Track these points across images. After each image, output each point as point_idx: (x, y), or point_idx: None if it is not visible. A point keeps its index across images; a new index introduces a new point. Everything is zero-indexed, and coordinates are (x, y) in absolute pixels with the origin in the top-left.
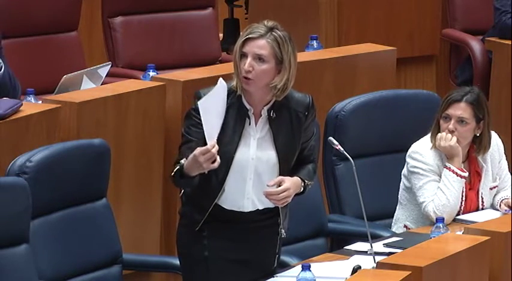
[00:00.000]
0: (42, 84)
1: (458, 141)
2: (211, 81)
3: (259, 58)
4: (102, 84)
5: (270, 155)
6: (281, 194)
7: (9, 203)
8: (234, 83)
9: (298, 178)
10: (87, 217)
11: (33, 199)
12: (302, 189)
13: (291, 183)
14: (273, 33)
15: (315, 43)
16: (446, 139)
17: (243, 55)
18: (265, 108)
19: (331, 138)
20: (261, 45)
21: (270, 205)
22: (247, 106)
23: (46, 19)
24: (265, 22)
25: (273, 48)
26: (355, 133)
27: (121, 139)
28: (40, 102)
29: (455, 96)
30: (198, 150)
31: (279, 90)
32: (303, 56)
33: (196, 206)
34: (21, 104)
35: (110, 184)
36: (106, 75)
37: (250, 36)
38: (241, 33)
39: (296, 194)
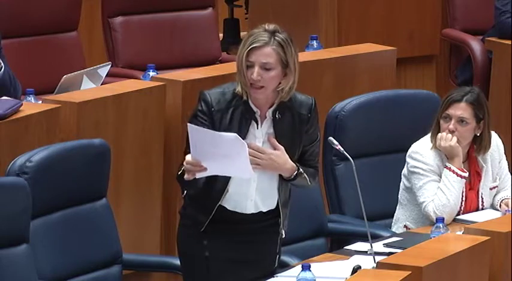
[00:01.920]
0: (42, 84)
1: (458, 141)
2: (211, 81)
3: (267, 66)
4: (102, 84)
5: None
6: (258, 155)
7: (9, 203)
8: (238, 88)
9: (294, 165)
10: (87, 217)
11: (33, 199)
12: (293, 176)
13: (282, 159)
14: (276, 38)
15: (315, 43)
16: (447, 139)
17: (250, 64)
18: (270, 110)
19: (331, 138)
20: (267, 53)
21: (273, 206)
22: (254, 109)
23: (46, 19)
24: (266, 26)
25: (278, 54)
26: (355, 133)
27: (121, 139)
28: (40, 102)
29: (456, 97)
30: (187, 158)
31: (285, 93)
32: (303, 56)
33: (200, 208)
34: (21, 104)
35: (110, 184)
36: (106, 75)
37: (254, 45)
38: (242, 39)
39: (285, 180)
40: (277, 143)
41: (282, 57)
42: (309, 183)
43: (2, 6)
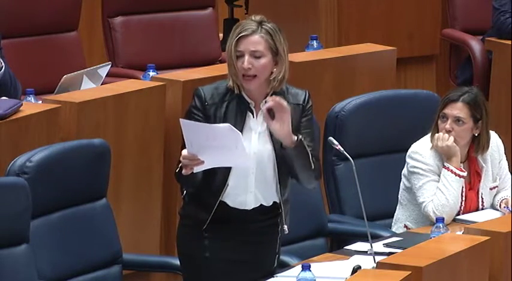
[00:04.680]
0: (42, 84)
1: (455, 141)
2: (211, 81)
3: (256, 54)
4: (102, 84)
5: (270, 149)
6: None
7: (9, 203)
8: (230, 82)
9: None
10: (87, 217)
11: (33, 199)
12: (295, 142)
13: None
14: (263, 26)
15: (315, 43)
16: (443, 139)
17: (239, 54)
18: (264, 101)
19: (331, 138)
20: (256, 41)
21: (273, 199)
22: (249, 100)
23: (46, 19)
24: (252, 17)
25: (267, 42)
26: (355, 133)
27: (121, 139)
28: (40, 102)
29: (452, 96)
30: (182, 153)
31: (277, 82)
32: (303, 56)
33: (201, 205)
34: (21, 104)
35: (110, 184)
36: (106, 75)
37: (243, 34)
38: (231, 32)
39: (290, 149)
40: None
41: (271, 45)
42: (312, 163)
43: (2, 6)
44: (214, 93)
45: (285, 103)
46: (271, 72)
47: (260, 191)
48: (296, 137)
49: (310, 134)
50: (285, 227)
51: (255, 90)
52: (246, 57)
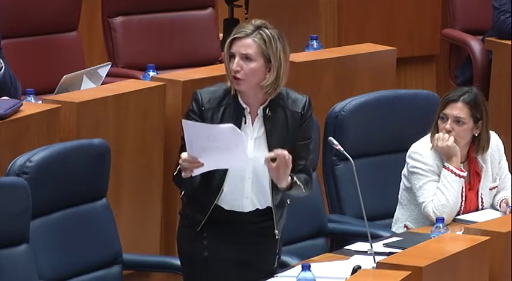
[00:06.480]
0: (42, 84)
1: (456, 141)
2: (211, 81)
3: (247, 57)
4: (102, 84)
5: (265, 154)
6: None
7: (9, 203)
8: (228, 83)
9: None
10: (87, 217)
11: (33, 199)
12: (289, 184)
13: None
14: (260, 31)
15: (315, 43)
16: (444, 139)
17: (232, 56)
18: (261, 107)
19: (331, 138)
20: (247, 44)
21: (269, 204)
22: (243, 105)
23: (46, 19)
24: (253, 21)
25: (259, 47)
26: (355, 133)
27: (121, 139)
28: (40, 102)
29: (452, 97)
30: (182, 155)
31: (270, 88)
32: (303, 56)
33: (197, 207)
34: (21, 104)
35: (110, 184)
36: (106, 75)
37: (236, 36)
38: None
39: (283, 191)
40: (278, 153)
41: (264, 51)
42: (303, 191)
43: (2, 6)
44: (212, 97)
45: (289, 161)
46: (265, 78)
47: (256, 196)
48: (291, 179)
49: (307, 145)
50: (276, 232)
51: (249, 95)
52: (236, 59)
